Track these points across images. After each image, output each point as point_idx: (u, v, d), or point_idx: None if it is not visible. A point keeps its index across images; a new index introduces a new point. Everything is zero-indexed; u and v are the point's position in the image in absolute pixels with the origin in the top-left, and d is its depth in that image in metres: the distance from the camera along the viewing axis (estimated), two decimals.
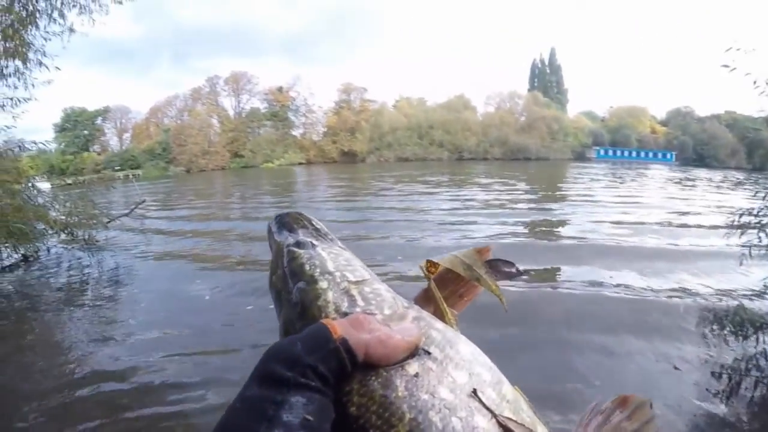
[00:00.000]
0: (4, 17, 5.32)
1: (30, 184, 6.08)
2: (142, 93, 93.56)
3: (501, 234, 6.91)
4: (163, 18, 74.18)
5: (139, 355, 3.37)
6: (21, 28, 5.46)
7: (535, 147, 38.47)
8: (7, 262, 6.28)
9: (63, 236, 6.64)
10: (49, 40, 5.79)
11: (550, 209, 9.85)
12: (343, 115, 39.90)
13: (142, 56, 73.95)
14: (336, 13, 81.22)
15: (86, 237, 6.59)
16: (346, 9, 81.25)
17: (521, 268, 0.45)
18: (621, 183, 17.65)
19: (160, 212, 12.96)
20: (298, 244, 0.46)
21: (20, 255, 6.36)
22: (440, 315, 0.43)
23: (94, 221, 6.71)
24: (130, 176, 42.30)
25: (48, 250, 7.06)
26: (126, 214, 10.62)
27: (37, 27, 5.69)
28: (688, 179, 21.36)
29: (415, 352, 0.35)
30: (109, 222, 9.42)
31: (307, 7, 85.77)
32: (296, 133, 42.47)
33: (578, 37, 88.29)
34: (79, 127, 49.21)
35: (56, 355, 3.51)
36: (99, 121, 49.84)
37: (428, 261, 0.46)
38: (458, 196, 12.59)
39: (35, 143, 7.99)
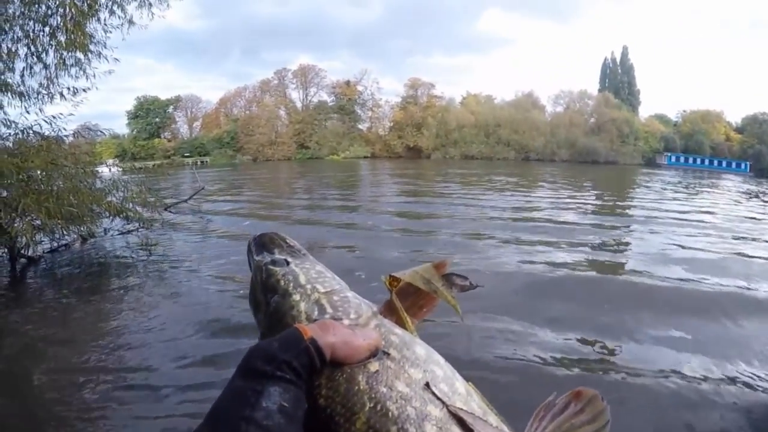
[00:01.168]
0: (67, 11, 5.38)
1: (89, 169, 6.11)
2: (213, 84, 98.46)
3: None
4: (234, 13, 77.62)
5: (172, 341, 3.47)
6: (82, 20, 5.55)
7: (604, 150, 37.70)
8: (64, 241, 6.43)
9: (119, 220, 6.64)
10: (110, 32, 5.96)
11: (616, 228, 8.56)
12: (410, 111, 40.61)
13: (214, 49, 77.96)
14: (405, 9, 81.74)
15: (142, 222, 6.58)
16: (416, 5, 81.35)
17: (474, 282, 0.50)
18: (694, 195, 16.16)
19: (223, 198, 13.50)
20: (274, 263, 0.52)
21: (77, 235, 6.40)
22: (401, 323, 0.48)
23: (148, 207, 6.68)
24: (198, 162, 45.35)
25: (105, 231, 7.17)
26: (185, 200, 11.30)
27: (98, 20, 5.85)
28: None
29: (375, 353, 0.40)
30: (167, 208, 9.37)
31: (377, 3, 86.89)
32: (362, 126, 43.77)
33: (652, 36, 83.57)
34: (151, 115, 52.34)
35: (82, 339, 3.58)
36: (170, 109, 52.85)
37: (390, 276, 0.51)
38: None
39: (101, 131, 8.37)
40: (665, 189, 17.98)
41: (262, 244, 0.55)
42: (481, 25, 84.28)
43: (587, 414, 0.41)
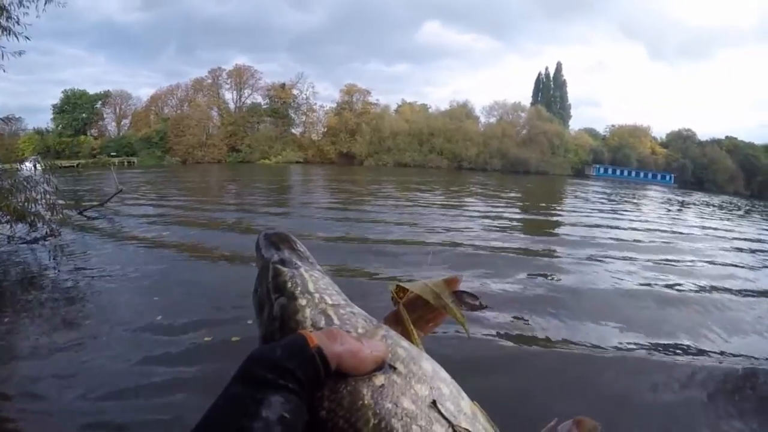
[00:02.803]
0: None
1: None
2: (146, 81, 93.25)
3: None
4: (173, 7, 73.88)
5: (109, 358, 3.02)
6: None
7: (535, 161, 38.32)
8: None
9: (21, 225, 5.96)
10: (26, 6, 5.28)
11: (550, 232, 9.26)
12: (345, 117, 39.56)
13: (149, 44, 73.61)
14: (348, 16, 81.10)
15: (49, 228, 5.93)
16: (359, 13, 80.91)
17: (484, 303, 0.49)
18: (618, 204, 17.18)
19: (140, 203, 12.31)
20: (283, 262, 0.50)
21: None
22: (407, 335, 0.46)
23: (55, 211, 5.92)
24: (125, 163, 42.16)
25: (9, 239, 6.44)
26: (101, 204, 10.15)
27: None
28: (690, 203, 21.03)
29: (382, 366, 0.38)
30: (82, 211, 8.89)
31: (317, 7, 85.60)
32: (296, 131, 42.21)
33: (583, 54, 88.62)
34: (78, 110, 48.62)
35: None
36: (99, 105, 49.24)
37: (398, 285, 0.49)
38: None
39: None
40: (594, 198, 18.69)
41: (273, 241, 0.54)
42: (420, 36, 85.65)
43: None
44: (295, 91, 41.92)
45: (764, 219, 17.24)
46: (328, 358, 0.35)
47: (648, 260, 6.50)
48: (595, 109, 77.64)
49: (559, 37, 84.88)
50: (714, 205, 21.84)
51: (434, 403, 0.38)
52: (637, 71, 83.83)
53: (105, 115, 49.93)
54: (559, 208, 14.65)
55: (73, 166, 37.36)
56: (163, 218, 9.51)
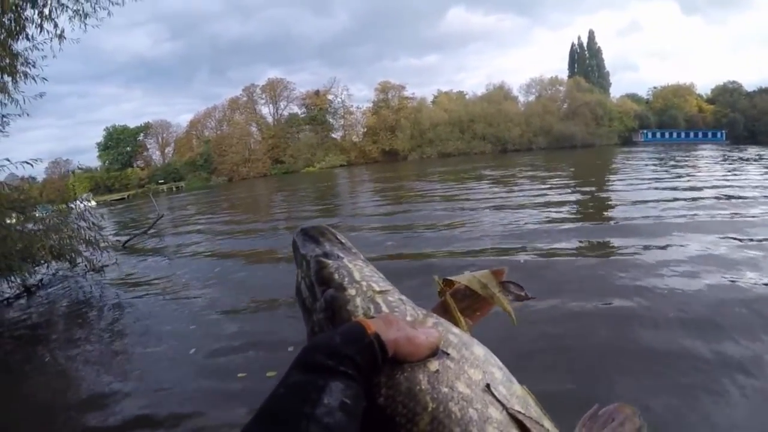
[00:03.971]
0: None
1: (17, 215, 5.46)
2: (184, 108, 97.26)
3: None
4: (199, 34, 76.78)
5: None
6: (10, 39, 4.87)
7: (580, 134, 37.53)
8: (8, 294, 5.64)
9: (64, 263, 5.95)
10: (41, 50, 5.19)
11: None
12: (382, 115, 39.97)
13: (181, 72, 76.85)
14: (369, 15, 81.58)
15: (89, 264, 5.87)
16: (380, 11, 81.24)
17: (530, 294, 0.50)
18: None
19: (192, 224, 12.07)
20: (326, 255, 0.50)
21: (21, 286, 5.71)
22: (456, 323, 0.47)
23: (93, 246, 5.91)
24: (174, 188, 44.17)
25: (54, 275, 6.45)
26: (143, 232, 10.20)
27: (27, 38, 5.04)
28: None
29: (436, 351, 0.39)
30: (125, 244, 8.85)
31: (339, 11, 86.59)
32: (336, 135, 42.92)
33: (613, 18, 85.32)
34: (122, 145, 51.21)
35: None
36: (141, 137, 51.77)
37: (444, 279, 0.51)
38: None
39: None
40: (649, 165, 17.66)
41: (311, 236, 0.53)
42: (446, 24, 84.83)
43: (627, 429, 0.43)
44: (330, 97, 42.76)
45: None
46: (386, 344, 0.35)
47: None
48: (634, 73, 74.62)
49: (587, 4, 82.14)
50: None
51: (488, 386, 0.38)
52: (672, 28, 79.67)
53: (148, 146, 52.50)
54: (617, 180, 13.16)
55: (124, 198, 39.76)
56: (209, 235, 9.50)
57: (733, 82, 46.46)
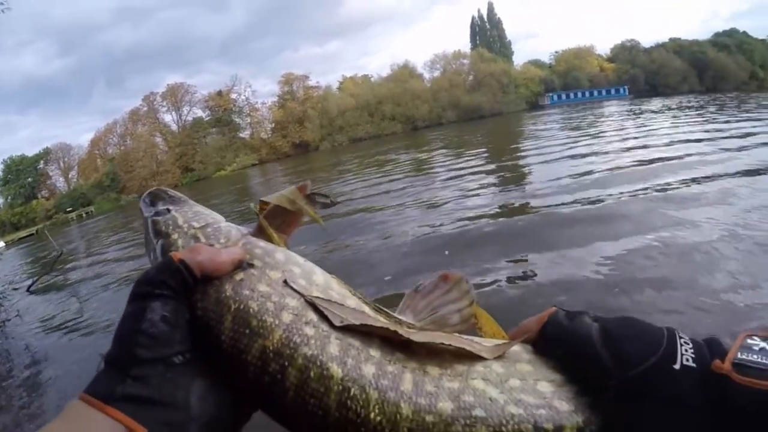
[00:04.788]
0: None
1: None
2: (86, 127, 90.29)
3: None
4: (90, 46, 71.22)
5: None
6: None
7: (488, 104, 37.87)
8: None
9: None
10: None
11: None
12: (289, 107, 38.42)
13: (77, 89, 70.93)
14: (267, 8, 78.82)
15: None
16: (277, 2, 78.74)
17: (333, 199, 0.56)
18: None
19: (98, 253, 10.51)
20: (157, 213, 0.56)
21: None
22: (269, 239, 0.52)
23: None
24: (83, 214, 40.43)
25: None
26: (43, 275, 8.41)
27: None
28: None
29: (240, 264, 0.45)
30: (29, 288, 7.52)
31: (236, 6, 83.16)
32: (244, 134, 40.82)
33: None
34: (22, 176, 46.62)
35: None
36: (41, 165, 47.20)
37: (261, 201, 0.56)
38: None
39: None
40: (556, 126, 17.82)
41: (148, 201, 0.59)
42: (344, 9, 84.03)
43: (454, 293, 0.47)
44: (233, 96, 40.64)
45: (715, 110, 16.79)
46: (192, 267, 0.42)
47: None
48: (535, 40, 78.22)
49: None
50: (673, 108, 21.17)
51: (285, 281, 0.44)
52: None
53: (51, 173, 48.02)
54: (525, 146, 13.30)
55: (33, 234, 35.87)
56: (121, 262, 8.17)
57: (631, 40, 48.86)
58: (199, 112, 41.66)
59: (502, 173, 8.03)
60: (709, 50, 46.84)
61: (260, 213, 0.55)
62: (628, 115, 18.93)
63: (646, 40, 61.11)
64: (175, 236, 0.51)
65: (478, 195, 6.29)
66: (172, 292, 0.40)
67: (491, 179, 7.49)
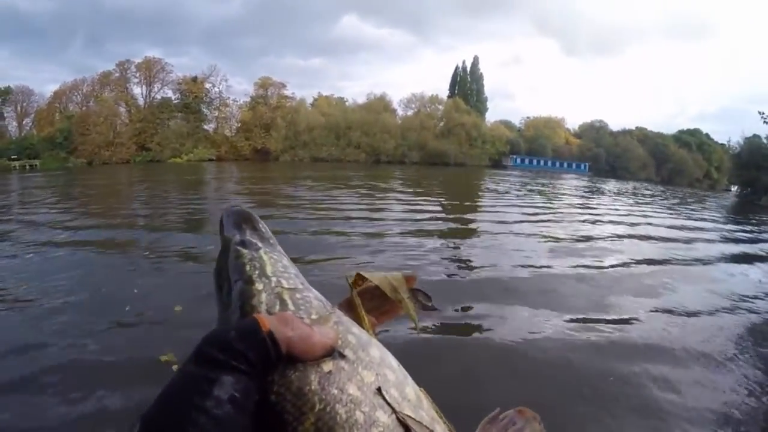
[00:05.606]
0: None
1: None
2: (53, 77, 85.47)
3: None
4: None
5: None
6: None
7: (453, 152, 39.07)
8: None
9: None
10: None
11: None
12: (259, 111, 38.29)
13: (56, 36, 67.06)
14: (265, 8, 78.47)
15: None
16: (277, 5, 78.71)
17: (436, 305, 0.53)
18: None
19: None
20: (244, 244, 0.50)
21: None
22: (359, 322, 0.48)
23: None
24: (27, 166, 38.57)
25: None
26: None
27: None
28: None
29: (331, 352, 0.40)
30: None
31: None
32: (208, 127, 40.32)
33: (498, 49, 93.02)
34: None
35: None
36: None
37: (357, 273, 0.52)
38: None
39: None
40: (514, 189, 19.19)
41: (235, 221, 0.54)
42: (338, 29, 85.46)
43: (527, 430, 0.45)
44: (207, 85, 40.03)
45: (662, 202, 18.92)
46: (279, 342, 0.36)
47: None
48: (510, 102, 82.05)
49: (476, 32, 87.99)
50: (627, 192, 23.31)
51: (379, 389, 0.39)
52: (551, 66, 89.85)
53: (6, 114, 45.61)
54: (479, 200, 14.94)
55: None
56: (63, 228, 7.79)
57: (600, 121, 51.88)
58: (169, 93, 40.78)
59: (454, 224, 8.84)
60: (671, 144, 50.36)
61: (355, 287, 0.51)
62: (588, 191, 20.82)
63: (614, 123, 65.36)
64: (259, 286, 0.46)
65: (424, 237, 7.08)
66: (250, 369, 0.35)
67: (441, 225, 8.42)
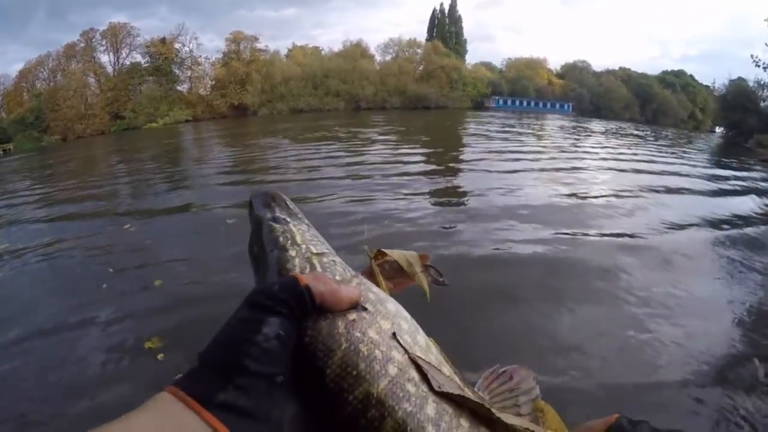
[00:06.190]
0: None
1: None
2: (16, 56, 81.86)
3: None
4: None
5: None
6: None
7: (434, 96, 38.40)
8: None
9: None
10: None
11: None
12: (233, 67, 37.20)
13: (15, 14, 63.80)
14: None
15: None
16: None
17: (446, 281, 0.59)
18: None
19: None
20: (275, 220, 0.58)
21: None
22: (378, 286, 0.55)
23: None
24: (0, 152, 37.39)
25: None
26: None
27: None
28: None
29: (355, 305, 0.47)
30: None
31: None
32: (182, 88, 39.17)
33: None
34: None
35: None
36: None
37: (378, 250, 0.59)
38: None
39: None
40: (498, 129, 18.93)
41: (265, 201, 0.62)
42: None
43: (523, 387, 0.51)
44: (177, 45, 38.68)
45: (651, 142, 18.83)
46: (314, 294, 0.43)
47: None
48: (491, 44, 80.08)
49: None
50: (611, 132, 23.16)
51: (394, 334, 0.46)
52: (532, 6, 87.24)
53: None
54: (464, 141, 14.84)
55: None
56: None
57: (583, 61, 51.18)
58: (138, 58, 39.43)
59: (437, 167, 8.77)
60: (655, 85, 49.93)
61: (375, 259, 0.58)
62: (573, 131, 20.61)
63: (597, 65, 64.31)
64: (292, 253, 0.53)
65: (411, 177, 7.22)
66: (291, 314, 0.41)
67: (427, 166, 8.50)
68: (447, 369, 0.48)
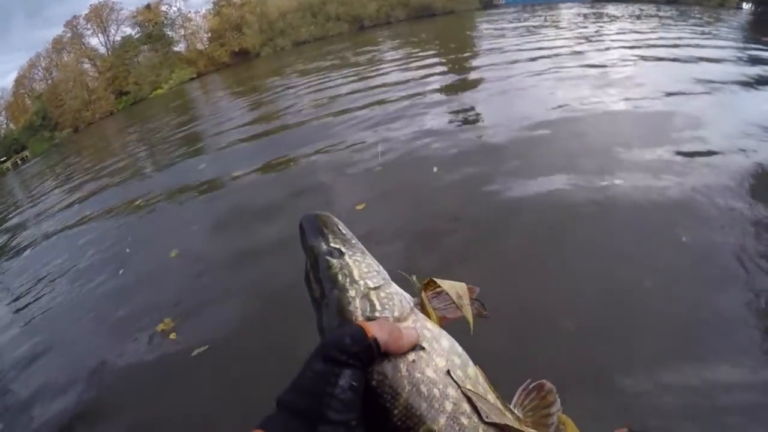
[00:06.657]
0: None
1: None
2: (7, 67, 79.32)
3: None
4: None
5: None
6: None
7: (439, 1, 35.75)
8: None
9: None
10: None
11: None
12: (225, 14, 35.52)
13: None
14: None
15: None
16: None
17: (488, 314, 0.61)
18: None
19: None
20: (331, 254, 0.57)
21: None
22: (429, 318, 0.57)
23: None
24: (18, 161, 37.02)
25: None
26: None
27: None
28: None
29: (414, 347, 0.50)
30: None
31: None
32: (179, 48, 37.72)
33: None
34: None
35: None
36: None
37: (431, 279, 0.60)
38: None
39: None
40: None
41: (317, 228, 0.59)
42: None
43: (548, 399, 0.54)
44: (163, 8, 37.18)
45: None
46: (380, 344, 0.47)
47: None
48: None
49: None
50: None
51: (448, 372, 0.50)
52: None
53: None
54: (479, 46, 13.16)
55: None
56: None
57: None
58: (128, 30, 38.10)
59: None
60: None
61: (425, 290, 0.59)
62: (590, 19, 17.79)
63: None
64: (352, 293, 0.54)
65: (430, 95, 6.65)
66: (361, 365, 0.45)
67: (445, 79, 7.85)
68: (491, 396, 0.52)
